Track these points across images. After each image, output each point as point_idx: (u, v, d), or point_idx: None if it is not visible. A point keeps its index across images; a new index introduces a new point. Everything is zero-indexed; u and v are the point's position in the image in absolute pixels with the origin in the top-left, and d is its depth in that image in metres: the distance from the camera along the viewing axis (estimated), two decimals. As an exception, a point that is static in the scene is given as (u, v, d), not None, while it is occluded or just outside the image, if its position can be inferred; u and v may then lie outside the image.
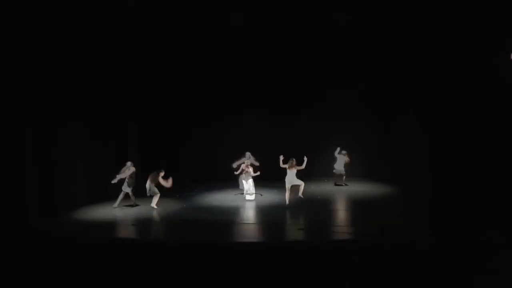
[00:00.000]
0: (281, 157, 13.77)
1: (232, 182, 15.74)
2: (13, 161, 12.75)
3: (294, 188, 13.81)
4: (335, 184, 16.56)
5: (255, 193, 14.81)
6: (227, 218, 12.79)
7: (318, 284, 8.74)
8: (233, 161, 15.26)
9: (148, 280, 9.04)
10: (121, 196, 13.82)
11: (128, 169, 13.60)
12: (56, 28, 13.50)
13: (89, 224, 12.37)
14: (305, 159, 13.62)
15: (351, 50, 16.86)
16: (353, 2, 16.12)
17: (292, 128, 17.84)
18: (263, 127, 17.81)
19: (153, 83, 16.89)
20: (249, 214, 13.70)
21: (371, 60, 16.79)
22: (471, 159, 13.38)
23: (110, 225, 12.35)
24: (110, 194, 14.34)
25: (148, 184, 13.61)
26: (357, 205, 14.35)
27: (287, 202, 13.69)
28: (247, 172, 14.66)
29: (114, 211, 13.61)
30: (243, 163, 14.85)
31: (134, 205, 13.92)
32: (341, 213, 13.86)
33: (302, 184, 13.77)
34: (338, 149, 16.31)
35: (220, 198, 15.09)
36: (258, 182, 15.19)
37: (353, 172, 16.70)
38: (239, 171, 14.96)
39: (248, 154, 15.02)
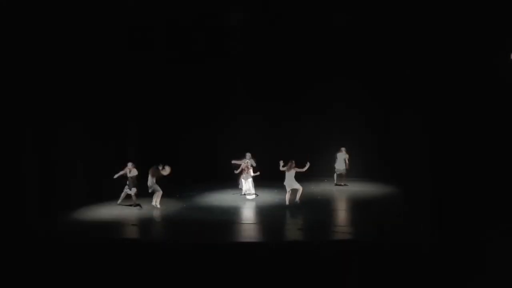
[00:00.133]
0: (281, 162, 13.62)
1: (232, 182, 15.73)
2: (13, 161, 12.76)
3: (293, 191, 13.75)
4: (336, 184, 16.53)
5: (254, 193, 14.85)
6: (227, 218, 12.79)
7: (318, 284, 8.74)
8: (233, 165, 15.21)
9: (148, 280, 9.04)
10: (123, 194, 13.84)
11: (129, 170, 13.61)
12: (55, 27, 13.51)
13: (89, 224, 12.37)
14: (307, 165, 13.47)
15: (351, 49, 16.87)
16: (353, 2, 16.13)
17: (292, 128, 17.81)
18: (263, 127, 17.78)
19: (153, 83, 16.88)
20: (249, 214, 13.70)
21: (371, 60, 16.80)
22: (471, 159, 13.39)
23: (110, 225, 12.33)
24: (110, 194, 14.37)
25: (149, 181, 13.59)
26: (357, 205, 14.35)
27: (287, 203, 13.68)
28: (247, 172, 14.67)
29: (114, 211, 13.60)
30: (244, 163, 14.84)
31: (134, 205, 13.91)
32: (341, 213, 13.87)
33: (300, 189, 13.60)
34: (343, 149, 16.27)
35: (220, 198, 15.08)
36: (258, 182, 15.20)
37: (353, 172, 16.68)
38: (238, 170, 14.97)
39: (248, 155, 15.00)
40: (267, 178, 15.18)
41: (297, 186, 13.59)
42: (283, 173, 13.66)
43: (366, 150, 17.10)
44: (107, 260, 9.76)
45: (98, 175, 14.67)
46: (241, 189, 15.10)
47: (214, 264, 9.47)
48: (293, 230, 11.98)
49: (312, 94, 17.50)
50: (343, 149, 16.24)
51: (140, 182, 13.84)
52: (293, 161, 13.55)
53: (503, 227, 10.45)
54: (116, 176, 13.64)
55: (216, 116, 17.67)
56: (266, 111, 17.70)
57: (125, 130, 16.26)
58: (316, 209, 13.57)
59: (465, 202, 11.94)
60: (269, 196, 15.09)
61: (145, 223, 12.65)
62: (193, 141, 17.33)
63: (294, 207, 13.46)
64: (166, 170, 13.54)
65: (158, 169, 13.50)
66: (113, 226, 12.30)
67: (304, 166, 13.46)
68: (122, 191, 13.84)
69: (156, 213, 13.48)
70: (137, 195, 13.84)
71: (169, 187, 14.33)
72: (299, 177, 13.68)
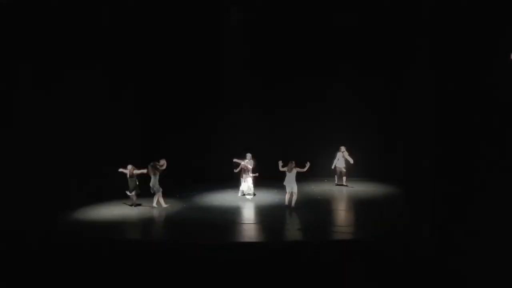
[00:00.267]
0: (280, 163, 13.55)
1: (232, 182, 15.72)
2: (13, 161, 12.77)
3: (291, 196, 13.75)
4: (336, 184, 16.53)
5: (252, 194, 14.89)
6: (227, 218, 12.79)
7: (318, 284, 8.74)
8: (234, 163, 15.20)
9: (148, 280, 9.04)
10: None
11: (129, 172, 13.62)
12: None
13: (89, 224, 12.37)
14: (307, 164, 13.39)
15: (350, 48, 16.89)
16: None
17: (292, 128, 17.81)
18: (263, 127, 17.77)
19: (152, 82, 16.93)
20: (249, 214, 13.70)
21: (371, 60, 16.82)
22: (471, 159, 13.37)
23: (110, 225, 12.33)
24: (110, 194, 14.39)
25: (152, 181, 13.59)
26: (357, 205, 14.35)
27: (286, 203, 13.67)
28: (246, 172, 14.67)
29: (114, 211, 13.60)
30: (243, 162, 14.85)
31: (133, 205, 13.92)
32: (341, 213, 13.86)
33: (296, 193, 13.47)
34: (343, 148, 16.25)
35: (220, 198, 15.08)
36: (258, 183, 15.21)
37: (354, 171, 16.67)
38: (237, 170, 14.98)
39: (249, 155, 15.01)
40: (267, 178, 15.18)
41: (295, 189, 13.47)
42: (283, 173, 13.64)
43: (367, 150, 17.09)
44: (107, 260, 9.77)
45: (98, 176, 14.68)
46: (241, 190, 15.09)
47: (214, 264, 9.47)
48: (293, 230, 11.98)
49: (312, 94, 17.51)
50: (342, 147, 16.21)
51: (142, 183, 13.87)
52: (293, 162, 13.50)
53: (503, 227, 10.46)
54: (119, 170, 13.67)
55: (217, 116, 17.66)
56: (266, 111, 17.69)
57: (125, 130, 16.27)
58: (316, 209, 13.57)
59: (466, 202, 11.93)
60: (269, 196, 15.09)
61: (145, 223, 12.66)
62: (193, 141, 17.34)
63: (294, 207, 13.45)
64: (161, 163, 13.53)
65: (155, 164, 13.49)
66: (113, 226, 12.30)
67: (304, 166, 13.42)
68: (121, 191, 13.88)
69: (156, 213, 13.49)
70: (139, 195, 13.86)
71: (169, 187, 14.32)
72: (299, 177, 13.67)
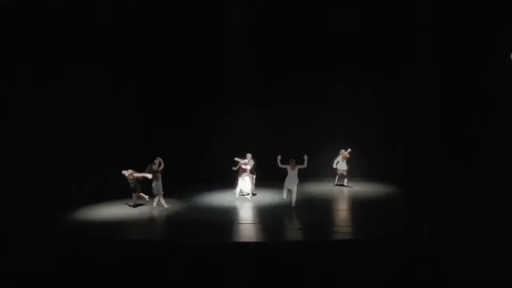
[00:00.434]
0: (279, 157, 13.49)
1: (232, 182, 15.72)
2: (13, 161, 12.77)
3: (289, 192, 13.73)
4: (336, 184, 16.53)
5: (250, 193, 14.92)
6: (227, 218, 12.80)
7: (318, 284, 8.74)
8: (234, 162, 15.20)
9: (148, 280, 9.04)
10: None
11: (130, 175, 13.64)
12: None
13: (89, 224, 12.38)
14: (305, 157, 13.39)
15: (350, 48, 16.90)
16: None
17: (292, 128, 17.81)
18: (263, 127, 17.77)
19: (153, 82, 16.92)
20: (249, 214, 13.69)
21: (372, 60, 16.82)
22: (471, 159, 13.37)
23: (110, 226, 12.34)
24: (110, 194, 14.39)
25: (154, 183, 13.59)
26: (358, 205, 14.36)
27: (284, 196, 13.67)
28: (244, 170, 14.69)
29: (114, 211, 13.60)
30: (242, 162, 14.86)
31: (133, 206, 13.92)
32: (341, 213, 13.87)
33: (295, 192, 13.46)
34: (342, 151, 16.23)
35: (220, 198, 15.09)
36: (259, 183, 15.22)
37: (354, 171, 16.68)
38: (236, 167, 14.99)
39: (249, 155, 15.01)
40: (267, 178, 15.18)
41: (295, 188, 13.45)
42: (283, 172, 13.60)
43: (367, 150, 17.09)
44: (107, 260, 9.77)
45: (98, 176, 14.68)
46: (238, 189, 15.10)
47: (214, 264, 9.47)
48: (293, 230, 11.98)
49: (312, 94, 17.51)
50: (342, 151, 16.20)
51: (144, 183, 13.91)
52: (294, 160, 13.50)
53: (503, 227, 10.47)
54: (122, 172, 13.71)
55: (217, 116, 17.67)
56: (266, 111, 17.69)
57: (126, 130, 16.28)
58: (316, 209, 13.57)
59: (466, 202, 11.93)
60: (269, 196, 15.10)
61: (145, 223, 12.66)
62: (193, 141, 17.34)
63: (294, 207, 13.45)
64: (155, 162, 13.51)
65: (152, 165, 13.48)
66: (113, 226, 12.30)
67: (303, 162, 13.38)
68: (121, 191, 13.90)
69: (156, 213, 13.49)
70: (140, 196, 13.88)
71: (169, 187, 14.32)
72: (299, 177, 13.66)
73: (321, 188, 16.34)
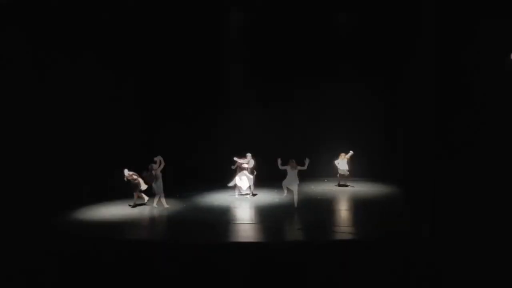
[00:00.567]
0: (279, 160, 13.42)
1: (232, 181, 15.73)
2: (13, 161, 12.77)
3: (289, 191, 13.71)
4: (339, 185, 16.52)
5: (250, 193, 14.96)
6: (227, 218, 12.80)
7: (318, 284, 8.74)
8: (233, 161, 15.21)
9: (148, 280, 9.04)
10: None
11: (130, 176, 13.64)
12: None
13: (89, 224, 12.37)
14: (307, 161, 13.31)
15: (350, 49, 16.90)
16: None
17: (292, 128, 17.81)
18: (263, 127, 17.77)
19: (153, 82, 16.93)
20: (249, 214, 13.69)
21: (372, 60, 16.83)
22: (471, 159, 13.36)
23: (110, 226, 12.33)
24: (109, 194, 14.39)
25: (155, 183, 13.58)
26: (358, 205, 14.34)
27: (284, 193, 13.67)
28: (242, 169, 14.68)
29: (114, 211, 13.60)
30: (240, 161, 14.87)
31: (133, 205, 13.92)
32: (342, 213, 13.86)
33: (296, 193, 13.42)
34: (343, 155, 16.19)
35: (220, 198, 15.08)
36: (259, 183, 15.21)
37: (355, 172, 16.67)
38: (235, 166, 15.00)
39: (249, 155, 15.01)
40: (267, 178, 15.17)
41: (296, 189, 13.42)
42: (283, 172, 13.58)
43: (367, 150, 17.09)
44: (107, 260, 9.77)
45: (98, 176, 14.69)
46: (237, 188, 15.11)
47: (214, 264, 9.47)
48: (293, 230, 11.98)
49: (313, 94, 17.51)
50: (342, 154, 16.17)
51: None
52: (294, 160, 13.44)
53: (503, 227, 10.46)
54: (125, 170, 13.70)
55: (217, 116, 17.67)
56: (266, 111, 17.69)
57: (126, 130, 16.28)
58: (316, 209, 13.57)
59: (466, 202, 11.93)
60: (269, 196, 15.09)
61: (145, 223, 12.66)
62: (193, 141, 17.34)
63: (294, 207, 13.44)
64: (157, 161, 13.45)
65: (153, 166, 13.46)
66: (113, 226, 12.30)
67: (304, 164, 13.34)
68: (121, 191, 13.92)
69: (156, 213, 13.49)
70: (140, 196, 13.89)
71: (169, 187, 14.32)
72: (299, 177, 13.64)
73: (321, 188, 16.34)
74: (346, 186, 16.39)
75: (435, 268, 8.92)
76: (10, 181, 12.59)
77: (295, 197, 13.44)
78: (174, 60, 16.95)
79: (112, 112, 15.68)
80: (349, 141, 16.67)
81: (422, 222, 11.55)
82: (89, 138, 14.88)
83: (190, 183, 16.50)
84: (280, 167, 13.43)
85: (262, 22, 16.85)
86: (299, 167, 13.35)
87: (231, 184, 15.10)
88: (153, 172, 13.37)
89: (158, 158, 13.52)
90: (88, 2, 14.39)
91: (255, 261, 9.57)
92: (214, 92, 17.51)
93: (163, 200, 13.73)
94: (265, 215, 13.28)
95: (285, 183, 13.59)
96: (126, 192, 13.97)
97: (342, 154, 16.06)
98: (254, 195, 15.09)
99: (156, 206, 13.78)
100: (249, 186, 14.98)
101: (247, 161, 14.85)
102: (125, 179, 13.61)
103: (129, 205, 13.95)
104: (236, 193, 15.15)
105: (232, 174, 15.20)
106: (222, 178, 16.24)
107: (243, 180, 14.86)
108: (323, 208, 13.81)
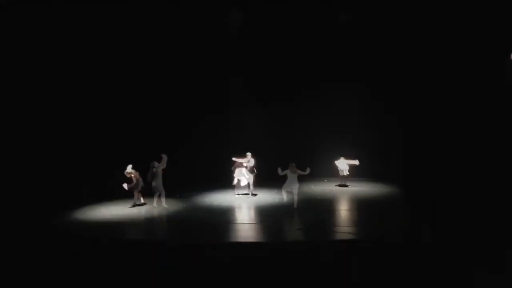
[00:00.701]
0: (279, 169, 13.25)
1: (232, 182, 15.73)
2: (13, 161, 12.78)
3: (289, 193, 13.70)
4: (339, 185, 16.52)
5: (250, 192, 15.00)
6: (227, 218, 12.79)
7: (318, 284, 8.74)
8: (233, 162, 15.21)
9: (148, 280, 9.04)
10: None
11: (131, 175, 13.65)
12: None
13: (89, 224, 12.37)
14: (308, 170, 13.20)
15: (353, 47, 16.92)
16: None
17: (292, 128, 17.82)
18: (264, 127, 17.78)
19: (154, 82, 16.93)
20: (249, 214, 13.69)
21: (373, 60, 16.83)
22: (471, 159, 13.38)
23: (110, 226, 12.33)
24: (109, 194, 14.40)
25: (155, 182, 13.58)
26: (358, 205, 14.34)
27: (284, 198, 13.66)
28: (239, 167, 14.67)
29: (114, 211, 13.60)
30: (240, 161, 14.89)
31: (133, 205, 13.92)
32: (342, 213, 13.85)
33: (296, 194, 13.38)
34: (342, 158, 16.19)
35: (220, 198, 15.08)
36: (259, 183, 15.21)
37: (355, 172, 16.68)
38: (233, 167, 15.00)
39: (249, 154, 15.01)
40: (267, 178, 15.17)
41: (296, 190, 13.37)
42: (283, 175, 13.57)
43: (367, 150, 17.10)
44: (107, 260, 9.77)
45: (98, 176, 14.69)
46: (236, 187, 15.09)
47: (214, 264, 9.47)
48: (293, 230, 11.97)
49: (313, 94, 17.52)
50: (342, 158, 16.17)
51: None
52: (294, 163, 13.37)
53: (503, 227, 10.47)
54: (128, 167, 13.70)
55: (217, 116, 17.67)
56: (266, 111, 17.70)
57: (126, 130, 16.29)
58: (316, 209, 13.56)
59: (466, 202, 11.94)
60: (269, 196, 15.09)
61: (145, 223, 12.66)
62: (193, 141, 17.35)
63: (294, 207, 13.44)
64: (164, 158, 13.44)
65: (153, 167, 13.47)
66: (113, 226, 12.30)
67: (305, 170, 13.28)
68: (120, 191, 13.88)
69: (156, 213, 13.49)
70: (139, 196, 13.87)
71: (169, 187, 14.32)
72: (299, 178, 13.62)
73: (321, 188, 16.34)
74: (346, 186, 16.43)
75: (435, 268, 8.92)
76: (11, 181, 12.61)
77: (295, 197, 13.43)
78: (174, 60, 16.96)
79: (112, 112, 15.69)
80: (349, 141, 16.68)
81: (422, 222, 11.55)
82: (89, 138, 14.88)
83: (190, 183, 16.50)
84: (281, 173, 13.35)
85: (262, 22, 16.85)
86: (299, 171, 13.29)
87: (235, 183, 15.12)
88: (154, 169, 13.37)
89: (164, 156, 13.50)
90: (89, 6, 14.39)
91: (255, 261, 9.57)
92: (214, 92, 17.51)
93: (163, 200, 13.72)
94: (265, 215, 13.28)
95: (285, 187, 13.53)
96: (126, 192, 13.95)
97: (342, 158, 16.09)
98: (254, 195, 15.10)
99: (156, 206, 13.78)
100: (248, 184, 14.98)
101: (247, 160, 14.86)
102: (126, 174, 13.59)
103: (130, 206, 13.94)
104: (236, 192, 15.15)
105: (232, 174, 15.22)
106: (222, 178, 16.27)
107: (242, 180, 14.90)
108: (323, 208, 13.81)
